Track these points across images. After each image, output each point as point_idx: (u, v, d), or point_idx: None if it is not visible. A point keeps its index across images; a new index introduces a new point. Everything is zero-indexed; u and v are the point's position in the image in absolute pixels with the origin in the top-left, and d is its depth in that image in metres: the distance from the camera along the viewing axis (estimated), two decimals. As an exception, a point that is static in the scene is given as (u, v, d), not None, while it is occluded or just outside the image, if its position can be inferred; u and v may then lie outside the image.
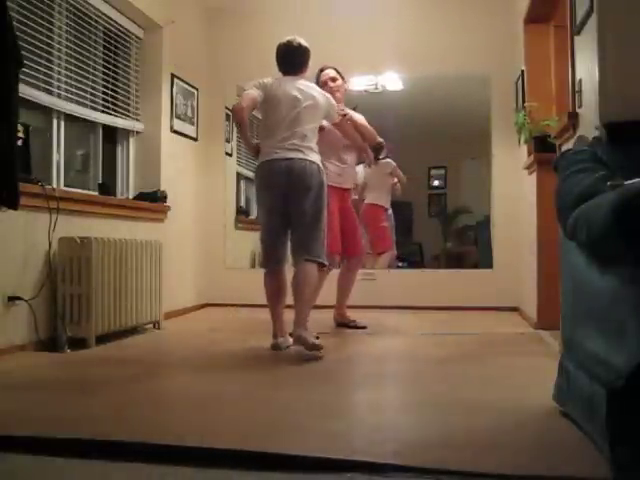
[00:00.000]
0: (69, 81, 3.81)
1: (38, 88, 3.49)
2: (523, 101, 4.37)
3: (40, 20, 3.52)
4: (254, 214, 6.38)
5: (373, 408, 2.15)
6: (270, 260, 3.28)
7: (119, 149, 4.52)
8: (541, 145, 3.75)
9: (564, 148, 2.97)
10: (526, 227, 4.41)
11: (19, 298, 3.07)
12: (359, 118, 3.95)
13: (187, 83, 5.01)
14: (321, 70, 3.98)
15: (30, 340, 3.15)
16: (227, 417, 2.00)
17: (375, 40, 5.21)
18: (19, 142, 2.88)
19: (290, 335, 3.22)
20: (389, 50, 5.22)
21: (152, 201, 4.35)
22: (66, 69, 3.78)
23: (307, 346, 2.99)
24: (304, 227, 3.19)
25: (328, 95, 3.53)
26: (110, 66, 4.29)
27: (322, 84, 3.88)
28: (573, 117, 2.79)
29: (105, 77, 4.23)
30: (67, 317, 3.27)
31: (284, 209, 3.20)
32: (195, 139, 5.21)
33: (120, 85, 4.42)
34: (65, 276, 3.29)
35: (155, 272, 3.96)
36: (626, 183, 1.54)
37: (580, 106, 2.72)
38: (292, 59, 3.42)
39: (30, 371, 2.74)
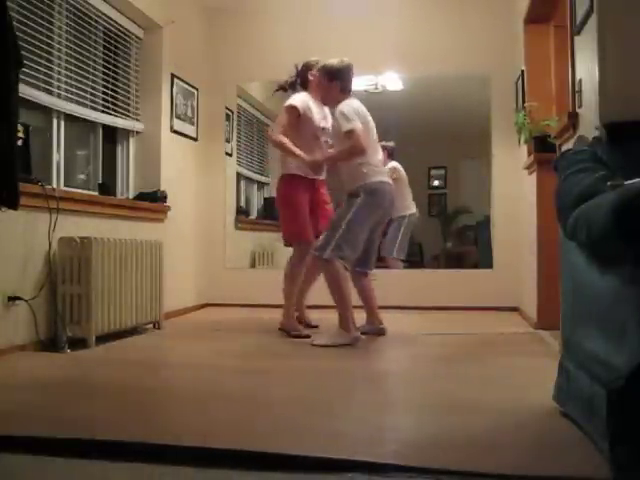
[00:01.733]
0: (69, 81, 3.81)
1: (38, 88, 3.49)
2: (523, 101, 4.37)
3: (40, 20, 3.52)
4: (254, 214, 6.39)
5: (373, 408, 2.15)
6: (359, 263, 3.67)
7: (119, 149, 4.52)
8: (541, 145, 3.75)
9: (564, 148, 2.97)
10: (526, 227, 4.42)
11: (19, 298, 3.07)
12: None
13: (187, 83, 5.01)
14: (308, 67, 3.97)
15: (30, 340, 3.15)
16: (227, 417, 2.00)
17: (375, 40, 5.21)
18: (19, 142, 2.88)
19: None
20: (389, 50, 5.22)
21: (152, 201, 4.35)
22: (66, 69, 3.78)
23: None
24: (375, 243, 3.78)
25: None
26: (110, 66, 4.29)
27: (308, 82, 3.93)
28: (573, 117, 2.79)
29: (105, 77, 4.23)
30: (67, 317, 3.27)
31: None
32: (195, 139, 5.21)
33: (120, 85, 4.42)
34: (65, 276, 3.29)
35: (155, 272, 3.96)
36: (626, 183, 1.54)
37: (580, 106, 2.72)
38: (351, 78, 3.71)
39: (30, 371, 2.74)
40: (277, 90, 4.13)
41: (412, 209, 5.73)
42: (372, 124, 3.67)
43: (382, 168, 3.72)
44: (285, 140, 3.70)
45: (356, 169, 3.53)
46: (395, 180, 5.51)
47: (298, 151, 3.68)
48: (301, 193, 3.80)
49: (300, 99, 3.81)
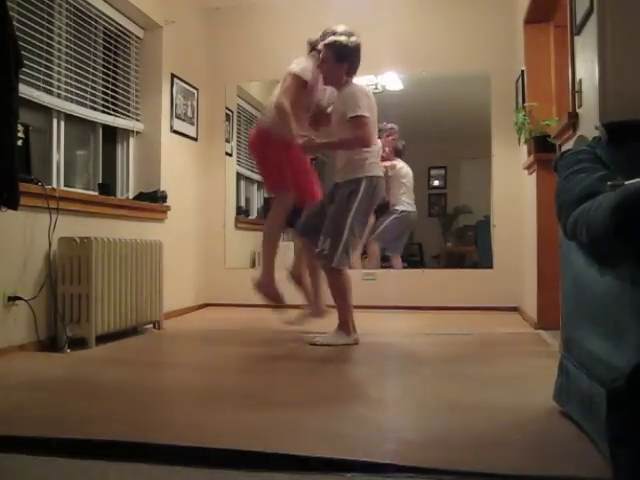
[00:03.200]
0: (69, 81, 3.81)
1: (38, 88, 3.49)
2: (523, 101, 4.37)
3: (40, 20, 3.52)
4: (254, 214, 6.39)
5: (373, 408, 2.15)
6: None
7: (119, 149, 4.53)
8: (541, 145, 3.75)
9: (564, 148, 2.97)
10: (526, 227, 4.41)
11: (19, 298, 3.07)
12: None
13: (187, 83, 5.01)
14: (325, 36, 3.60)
15: (30, 340, 3.15)
16: (227, 417, 2.00)
17: (375, 40, 5.18)
18: (19, 142, 2.88)
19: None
20: (389, 50, 5.22)
21: (152, 201, 4.35)
22: (66, 69, 3.78)
23: None
24: None
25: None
26: (110, 66, 4.30)
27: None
28: (573, 117, 2.78)
29: (105, 77, 4.23)
30: (67, 317, 3.27)
31: None
32: (195, 139, 5.22)
33: (120, 85, 4.42)
34: (65, 276, 3.29)
35: (155, 272, 3.96)
36: (626, 183, 1.54)
37: (580, 106, 2.72)
38: (360, 59, 3.49)
39: (30, 371, 2.74)
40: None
41: (408, 207, 5.75)
42: (375, 113, 3.53)
43: (379, 161, 3.60)
44: (289, 113, 3.42)
45: (359, 158, 3.37)
46: (390, 177, 5.57)
47: (295, 130, 3.45)
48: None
49: (310, 72, 3.56)
